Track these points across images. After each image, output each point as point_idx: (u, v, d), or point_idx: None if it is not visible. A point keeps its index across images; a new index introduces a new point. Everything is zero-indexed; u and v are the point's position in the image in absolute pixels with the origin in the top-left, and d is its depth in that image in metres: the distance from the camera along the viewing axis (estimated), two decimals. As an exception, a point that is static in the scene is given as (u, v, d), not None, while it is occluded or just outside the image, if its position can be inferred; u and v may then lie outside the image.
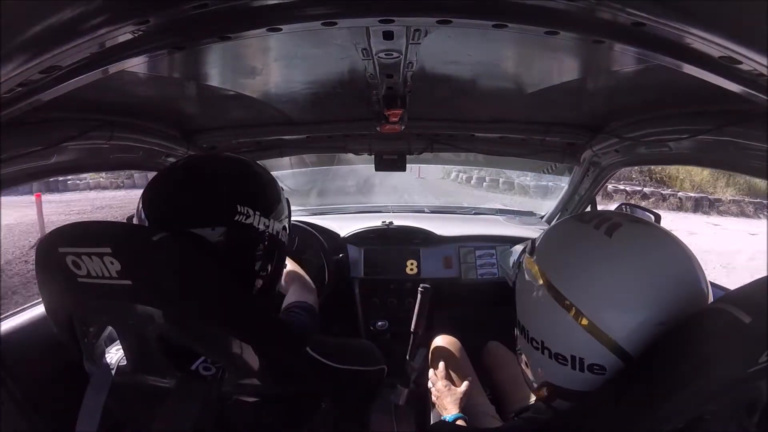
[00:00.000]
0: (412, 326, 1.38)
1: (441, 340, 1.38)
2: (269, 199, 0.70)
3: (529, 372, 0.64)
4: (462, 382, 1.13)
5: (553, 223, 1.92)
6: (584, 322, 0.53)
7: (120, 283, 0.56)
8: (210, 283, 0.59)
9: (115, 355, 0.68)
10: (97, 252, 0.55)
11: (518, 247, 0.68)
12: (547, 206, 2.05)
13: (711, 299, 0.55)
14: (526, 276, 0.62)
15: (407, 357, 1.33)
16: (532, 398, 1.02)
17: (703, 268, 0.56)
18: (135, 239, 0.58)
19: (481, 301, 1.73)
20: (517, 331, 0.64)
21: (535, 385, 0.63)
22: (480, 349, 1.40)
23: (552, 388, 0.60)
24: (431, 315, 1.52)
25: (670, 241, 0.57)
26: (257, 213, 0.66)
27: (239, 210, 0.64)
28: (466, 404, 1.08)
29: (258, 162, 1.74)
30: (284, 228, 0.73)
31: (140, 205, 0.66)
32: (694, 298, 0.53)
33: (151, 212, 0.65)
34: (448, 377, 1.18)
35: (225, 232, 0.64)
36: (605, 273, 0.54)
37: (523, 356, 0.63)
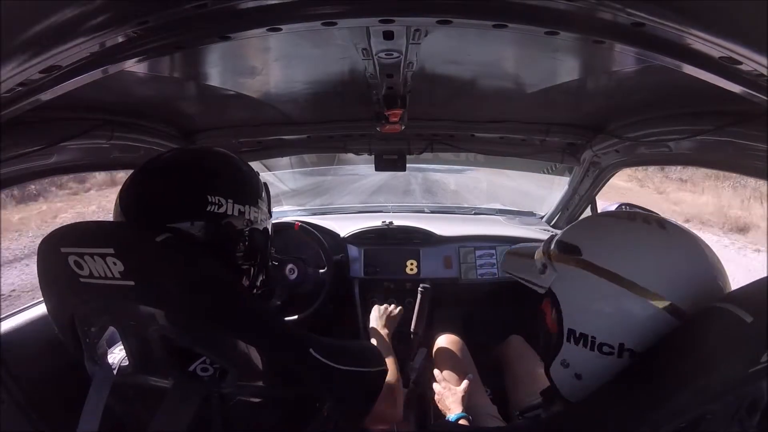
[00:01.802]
0: (412, 326, 1.38)
1: (444, 340, 1.38)
2: (241, 186, 0.70)
3: (578, 383, 0.62)
4: (464, 378, 1.13)
5: (557, 223, 1.92)
6: (658, 302, 0.55)
7: (123, 283, 0.56)
8: (213, 284, 0.59)
9: (117, 355, 0.68)
10: (99, 252, 0.55)
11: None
12: (547, 206, 2.05)
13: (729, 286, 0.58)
14: (561, 272, 0.64)
15: (407, 357, 1.33)
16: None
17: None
18: (138, 240, 0.58)
19: (480, 301, 1.73)
20: (564, 340, 0.63)
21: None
22: (480, 349, 1.40)
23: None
24: (431, 315, 1.52)
25: (700, 239, 0.62)
26: (230, 201, 0.65)
27: (210, 200, 0.64)
28: (467, 404, 1.08)
29: (258, 162, 1.76)
30: (264, 216, 0.73)
31: (117, 203, 0.66)
32: (715, 287, 0.58)
33: (127, 210, 0.65)
34: (450, 377, 1.19)
35: (203, 226, 0.64)
36: (663, 256, 0.58)
37: (572, 366, 0.62)
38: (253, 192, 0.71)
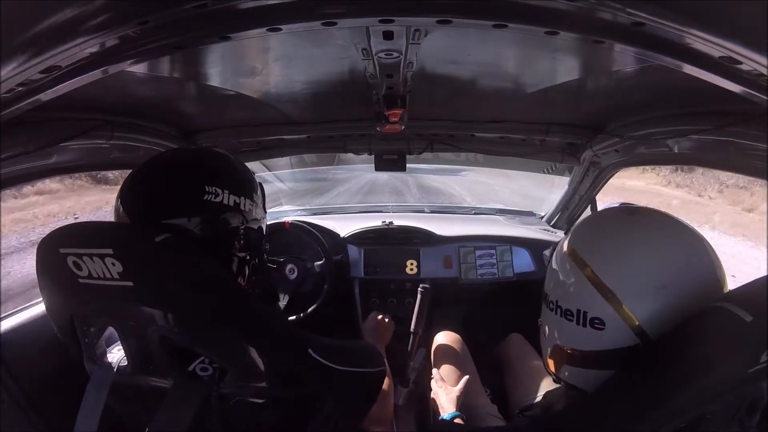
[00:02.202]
0: (412, 326, 1.38)
1: (442, 337, 1.38)
2: (237, 179, 0.72)
3: (544, 340, 0.71)
4: (460, 378, 1.13)
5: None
6: (592, 277, 0.61)
7: (121, 284, 0.56)
8: (213, 284, 0.59)
9: (116, 355, 0.68)
10: (98, 253, 0.55)
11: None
12: (546, 206, 2.05)
13: (726, 283, 0.59)
14: (557, 251, 0.71)
15: (407, 357, 1.33)
16: (540, 394, 1.04)
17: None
18: (137, 241, 0.58)
19: (480, 301, 1.73)
20: (542, 303, 0.72)
21: (548, 354, 0.70)
22: (479, 349, 1.40)
23: (559, 351, 0.67)
24: (431, 315, 1.52)
25: (685, 226, 0.64)
26: (226, 191, 0.67)
27: (207, 190, 0.65)
28: (464, 404, 1.08)
29: (259, 162, 1.76)
30: (260, 212, 0.75)
31: (118, 202, 0.67)
32: (706, 276, 0.59)
33: (128, 207, 0.66)
34: (447, 375, 1.18)
35: (200, 221, 0.65)
36: (620, 240, 0.64)
37: (542, 324, 0.72)
38: (249, 186, 0.73)
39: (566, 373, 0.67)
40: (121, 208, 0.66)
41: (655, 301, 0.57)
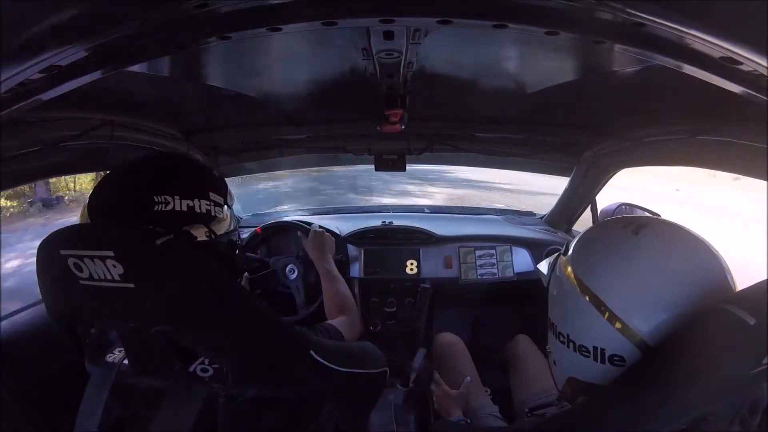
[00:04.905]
0: (412, 326, 1.38)
1: (442, 339, 1.38)
2: (188, 180, 0.70)
3: (555, 369, 0.67)
4: (462, 381, 1.13)
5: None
6: (607, 314, 0.56)
7: (122, 286, 0.56)
8: (214, 285, 0.59)
9: (117, 356, 0.68)
10: (99, 255, 0.56)
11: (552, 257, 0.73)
12: (546, 206, 2.05)
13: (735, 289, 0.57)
14: (557, 273, 0.65)
15: (407, 357, 1.33)
16: (549, 393, 1.04)
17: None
18: (138, 243, 0.58)
19: (481, 301, 1.73)
20: (548, 329, 0.67)
21: (560, 382, 0.66)
22: (480, 349, 1.40)
23: (576, 383, 0.62)
24: (431, 315, 1.52)
25: (694, 240, 0.59)
26: (176, 197, 0.66)
27: (156, 200, 0.64)
28: (467, 406, 1.08)
29: (259, 162, 1.75)
30: (220, 210, 0.73)
31: (84, 211, 0.68)
32: (718, 295, 0.54)
33: (92, 218, 0.66)
34: (448, 378, 1.19)
35: (165, 230, 0.64)
36: (632, 269, 0.57)
37: (552, 353, 0.67)
38: (202, 184, 0.71)
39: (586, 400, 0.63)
40: (86, 217, 0.66)
41: (674, 328, 0.53)
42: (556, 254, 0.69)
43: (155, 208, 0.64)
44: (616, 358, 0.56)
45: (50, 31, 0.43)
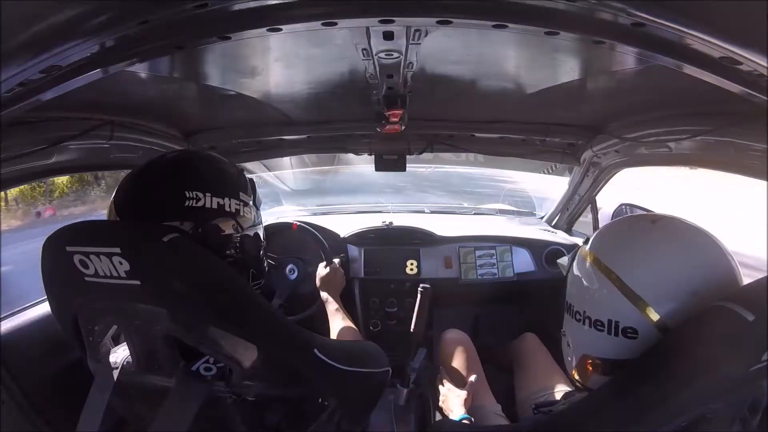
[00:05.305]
0: (412, 326, 1.38)
1: (450, 335, 1.38)
2: (218, 180, 0.71)
3: (570, 350, 0.70)
4: (468, 379, 1.13)
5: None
6: (624, 289, 0.61)
7: (128, 283, 0.56)
8: (219, 283, 0.59)
9: (120, 354, 0.68)
10: (105, 252, 0.56)
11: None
12: (546, 206, 2.05)
13: (742, 280, 0.60)
14: (578, 260, 0.70)
15: (407, 357, 1.33)
16: (554, 391, 1.06)
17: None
18: (145, 240, 0.58)
19: (481, 301, 1.73)
20: (565, 311, 0.71)
21: (574, 363, 0.69)
22: (481, 349, 1.40)
23: (588, 361, 0.66)
24: (431, 315, 1.51)
25: (702, 231, 0.64)
26: (208, 194, 0.67)
27: (188, 195, 0.66)
28: (471, 405, 1.08)
29: (259, 162, 1.75)
30: (249, 210, 0.74)
31: (112, 206, 0.68)
32: (727, 278, 0.59)
33: (120, 212, 0.67)
34: (455, 375, 1.19)
35: (193, 226, 0.66)
36: (648, 249, 0.63)
37: (566, 336, 0.71)
38: (233, 185, 0.73)
39: (595, 382, 0.66)
40: (114, 212, 0.67)
41: (686, 306, 0.57)
42: (577, 248, 0.74)
43: (186, 204, 0.65)
44: (629, 330, 0.60)
45: (50, 31, 0.43)
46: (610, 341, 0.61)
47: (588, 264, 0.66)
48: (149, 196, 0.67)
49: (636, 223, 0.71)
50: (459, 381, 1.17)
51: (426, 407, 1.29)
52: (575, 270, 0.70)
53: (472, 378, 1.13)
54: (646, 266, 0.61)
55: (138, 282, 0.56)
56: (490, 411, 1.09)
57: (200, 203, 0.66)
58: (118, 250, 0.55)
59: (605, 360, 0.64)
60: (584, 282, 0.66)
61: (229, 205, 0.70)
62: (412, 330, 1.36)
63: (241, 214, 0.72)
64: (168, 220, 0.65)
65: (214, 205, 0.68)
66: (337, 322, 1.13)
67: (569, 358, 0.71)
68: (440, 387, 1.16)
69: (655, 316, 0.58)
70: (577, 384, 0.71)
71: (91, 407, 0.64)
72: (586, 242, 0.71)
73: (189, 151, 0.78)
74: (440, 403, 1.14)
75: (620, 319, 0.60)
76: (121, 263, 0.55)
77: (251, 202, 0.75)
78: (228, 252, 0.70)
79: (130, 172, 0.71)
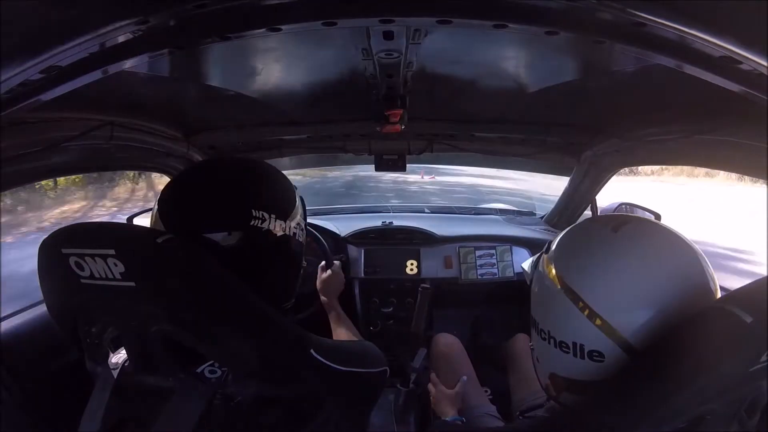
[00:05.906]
0: (412, 326, 1.38)
1: (439, 340, 1.38)
2: (284, 201, 0.69)
3: (537, 366, 0.67)
4: (458, 381, 1.14)
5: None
6: (586, 311, 0.56)
7: (124, 284, 0.56)
8: (215, 284, 0.59)
9: (120, 355, 0.68)
10: (100, 253, 0.55)
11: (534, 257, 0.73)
12: (546, 206, 2.05)
13: (718, 294, 0.57)
14: (540, 271, 0.65)
15: (407, 357, 1.33)
16: (542, 396, 1.04)
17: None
18: (139, 241, 0.58)
19: (481, 301, 1.74)
20: (531, 326, 0.67)
21: (543, 379, 0.66)
22: (480, 349, 1.40)
23: (557, 379, 0.63)
24: (431, 315, 1.51)
25: (674, 237, 0.59)
26: (273, 216, 0.65)
27: (254, 215, 0.63)
28: (463, 406, 1.08)
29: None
30: (301, 228, 0.72)
31: (155, 209, 0.66)
32: (698, 292, 0.55)
33: (165, 218, 0.65)
34: (445, 378, 1.19)
35: (241, 237, 0.63)
36: (610, 266, 0.57)
37: (535, 350, 0.67)
38: (292, 206, 0.70)
39: (567, 399, 0.63)
40: (159, 217, 0.65)
41: (652, 324, 0.54)
42: (539, 253, 0.69)
43: (251, 223, 0.63)
44: (595, 353, 0.56)
45: (50, 31, 0.43)
46: (577, 363, 0.58)
47: (549, 279, 0.62)
48: (207, 208, 0.64)
49: (598, 233, 0.63)
50: (450, 383, 1.17)
51: (426, 407, 1.29)
52: (537, 283, 0.65)
53: (461, 379, 1.14)
54: (609, 285, 0.56)
55: (133, 283, 0.56)
56: (483, 412, 1.09)
57: (265, 224, 0.64)
58: (112, 251, 0.55)
59: (574, 380, 0.60)
60: (547, 299, 0.62)
61: (288, 228, 0.67)
62: (412, 330, 1.36)
63: (295, 236, 0.69)
64: (221, 231, 0.62)
65: (278, 230, 0.65)
66: (336, 325, 1.13)
67: (539, 374, 0.68)
68: (430, 389, 1.16)
69: (620, 339, 0.55)
70: (553, 400, 0.68)
71: (90, 409, 0.64)
72: (548, 248, 0.67)
73: (251, 161, 0.74)
74: (432, 406, 1.14)
75: (585, 342, 0.57)
76: (116, 265, 0.55)
77: (303, 224, 0.73)
78: (274, 258, 0.68)
79: (181, 173, 0.68)
